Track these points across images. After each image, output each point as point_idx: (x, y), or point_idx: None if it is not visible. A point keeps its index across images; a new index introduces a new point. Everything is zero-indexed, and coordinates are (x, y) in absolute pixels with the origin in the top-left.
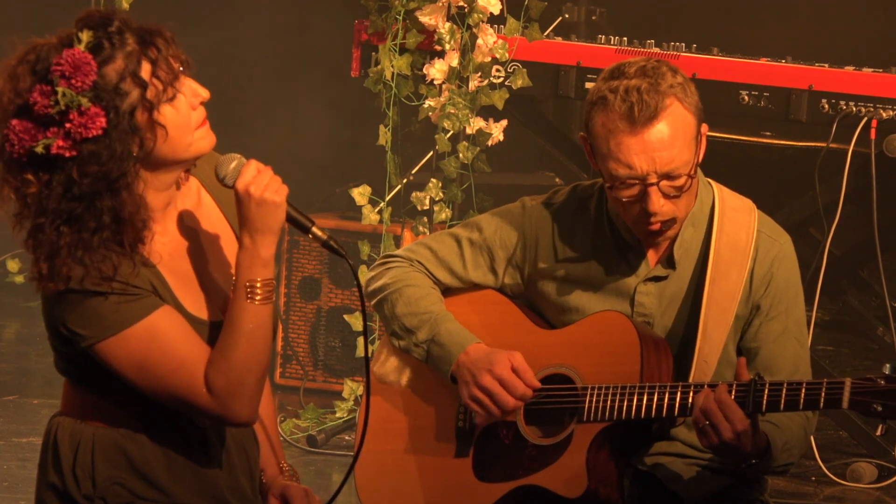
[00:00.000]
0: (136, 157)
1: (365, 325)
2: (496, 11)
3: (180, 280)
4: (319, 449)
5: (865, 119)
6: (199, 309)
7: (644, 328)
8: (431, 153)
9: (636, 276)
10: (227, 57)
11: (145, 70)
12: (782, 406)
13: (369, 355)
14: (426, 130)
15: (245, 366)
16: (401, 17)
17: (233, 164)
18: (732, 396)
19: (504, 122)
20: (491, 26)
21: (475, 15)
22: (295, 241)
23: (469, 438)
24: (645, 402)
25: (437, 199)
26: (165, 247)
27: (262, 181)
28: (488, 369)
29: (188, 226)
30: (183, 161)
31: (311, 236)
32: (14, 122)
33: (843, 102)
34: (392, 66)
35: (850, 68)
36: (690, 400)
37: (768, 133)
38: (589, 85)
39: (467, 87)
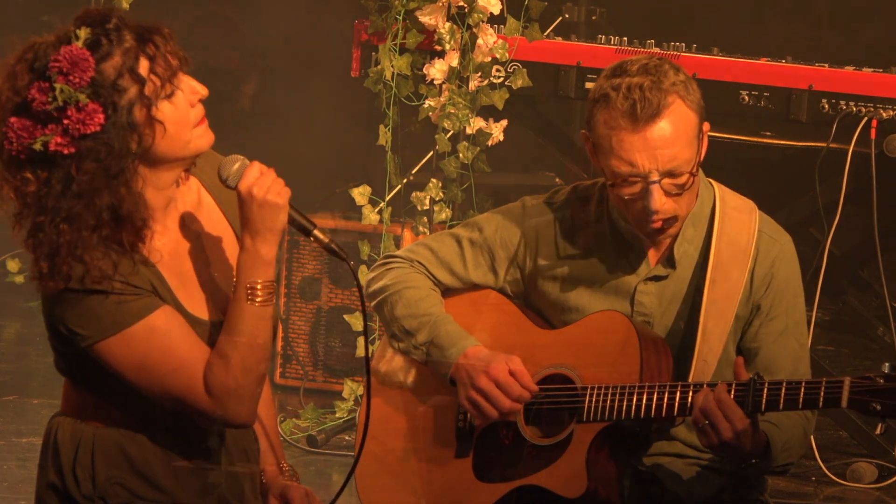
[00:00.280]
0: (134, 154)
1: (365, 325)
2: (496, 11)
3: (180, 280)
4: (319, 449)
5: (865, 119)
6: (200, 309)
7: (644, 328)
8: (431, 153)
9: (636, 275)
10: (224, 57)
11: (143, 67)
12: (781, 405)
13: (369, 355)
14: (426, 130)
15: (244, 367)
16: (401, 17)
17: (236, 166)
18: (732, 396)
19: (504, 122)
20: (491, 26)
21: (475, 15)
22: (295, 241)
23: (469, 439)
24: (645, 402)
25: (437, 199)
26: (166, 246)
27: (264, 183)
28: (485, 371)
29: (189, 226)
30: (182, 159)
31: (312, 239)
32: (12, 119)
33: (843, 102)
34: (392, 66)
35: (850, 68)
36: (690, 400)
37: (768, 133)
38: (589, 85)
39: (467, 87)
